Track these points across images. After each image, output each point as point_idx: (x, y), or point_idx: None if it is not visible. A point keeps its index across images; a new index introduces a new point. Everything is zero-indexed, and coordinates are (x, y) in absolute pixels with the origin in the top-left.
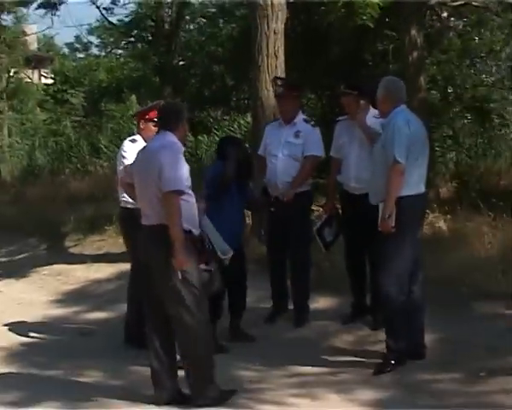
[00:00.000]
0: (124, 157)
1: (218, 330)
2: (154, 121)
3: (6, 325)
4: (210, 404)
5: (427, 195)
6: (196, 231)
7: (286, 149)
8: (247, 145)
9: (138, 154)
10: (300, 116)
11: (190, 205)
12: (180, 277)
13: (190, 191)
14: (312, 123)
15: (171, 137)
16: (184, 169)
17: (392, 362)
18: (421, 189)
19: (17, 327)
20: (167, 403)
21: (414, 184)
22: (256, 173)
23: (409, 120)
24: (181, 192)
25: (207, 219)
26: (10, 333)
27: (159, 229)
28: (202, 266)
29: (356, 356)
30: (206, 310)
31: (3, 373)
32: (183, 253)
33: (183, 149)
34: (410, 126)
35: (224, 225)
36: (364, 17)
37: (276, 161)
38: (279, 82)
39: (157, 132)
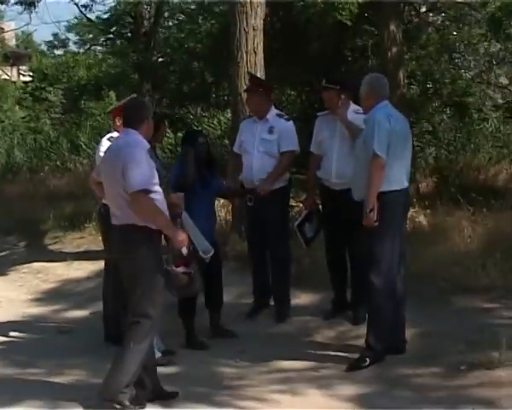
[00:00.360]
0: (101, 155)
1: (198, 326)
2: None
3: None
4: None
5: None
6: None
7: (261, 146)
8: (208, 137)
9: (105, 153)
10: (273, 111)
11: (159, 202)
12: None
13: (158, 188)
14: (286, 117)
15: (134, 135)
16: (148, 167)
17: (367, 360)
18: (404, 184)
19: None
20: (149, 401)
21: (396, 179)
22: (231, 170)
23: (390, 115)
24: (147, 191)
25: (188, 217)
26: None
27: (126, 229)
28: (180, 269)
29: (337, 351)
30: (156, 321)
31: None
32: (176, 235)
33: (147, 146)
34: (390, 121)
35: (198, 224)
36: (343, 13)
37: (252, 158)
38: (248, 76)
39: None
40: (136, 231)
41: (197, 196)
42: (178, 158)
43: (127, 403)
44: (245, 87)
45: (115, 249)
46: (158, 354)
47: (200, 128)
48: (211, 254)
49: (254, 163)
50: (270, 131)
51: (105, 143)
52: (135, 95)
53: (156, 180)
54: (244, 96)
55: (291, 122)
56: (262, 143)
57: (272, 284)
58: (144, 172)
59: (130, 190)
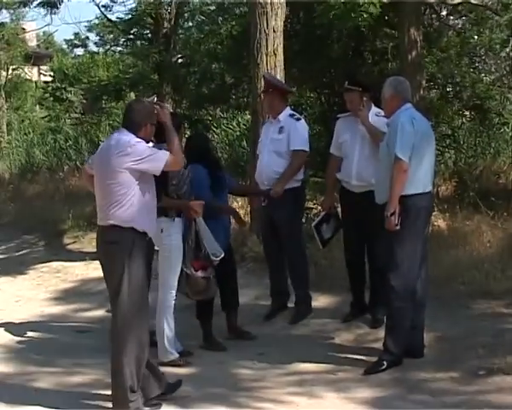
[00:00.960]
0: None
1: (216, 328)
2: None
3: (4, 322)
4: None
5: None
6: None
7: (271, 145)
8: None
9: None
10: (286, 112)
11: (147, 206)
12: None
13: (147, 190)
14: (296, 117)
15: (126, 136)
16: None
17: (385, 364)
18: (427, 187)
19: (15, 325)
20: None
21: (419, 182)
22: (252, 172)
23: (413, 118)
24: None
25: (202, 221)
26: (8, 331)
27: (105, 230)
28: (200, 274)
29: (355, 354)
30: (141, 321)
31: (1, 371)
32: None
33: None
34: (414, 124)
35: (213, 225)
36: (365, 15)
37: (262, 158)
38: (265, 75)
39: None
40: (117, 231)
41: (214, 197)
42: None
43: (142, 407)
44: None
45: (97, 249)
46: (175, 356)
47: (208, 130)
48: (221, 257)
49: (263, 162)
50: (280, 130)
51: None
52: (154, 97)
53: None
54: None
55: (302, 121)
56: (272, 143)
57: (292, 286)
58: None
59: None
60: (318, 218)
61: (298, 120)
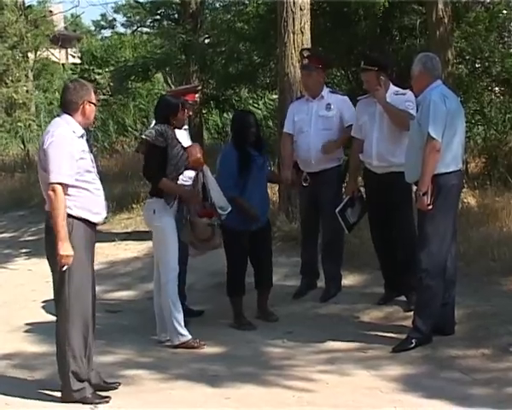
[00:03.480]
0: None
1: (245, 306)
2: (190, 104)
3: (36, 302)
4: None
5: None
6: (98, 218)
7: (319, 123)
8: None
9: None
10: (326, 89)
11: (90, 193)
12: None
13: (88, 177)
14: (341, 93)
15: (64, 123)
16: (68, 160)
17: (414, 342)
18: (458, 165)
19: (46, 305)
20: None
21: (450, 160)
22: (283, 151)
23: (445, 96)
24: (63, 185)
25: (208, 170)
26: (40, 311)
27: (48, 217)
28: (205, 220)
29: (385, 332)
30: (80, 313)
31: (32, 352)
32: (62, 248)
33: (76, 134)
34: (446, 102)
35: (250, 201)
36: None
37: (309, 137)
38: (305, 53)
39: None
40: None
41: (253, 177)
42: (230, 142)
43: (89, 397)
44: (295, 67)
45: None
46: (187, 337)
47: (248, 109)
48: (228, 211)
49: (312, 141)
50: (328, 107)
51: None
52: (197, 85)
53: (89, 169)
54: (292, 75)
55: (346, 97)
56: (320, 120)
57: (323, 264)
58: (62, 165)
59: (48, 181)
60: (342, 203)
61: (343, 95)
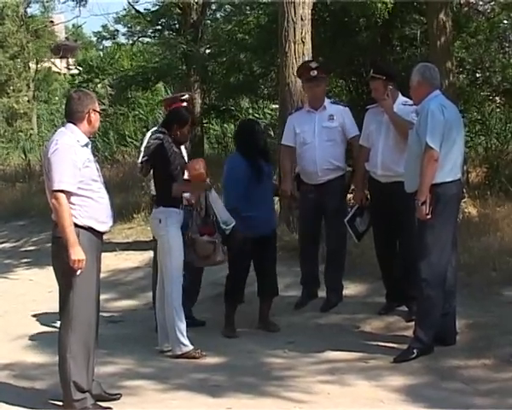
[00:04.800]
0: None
1: (249, 315)
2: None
3: (37, 313)
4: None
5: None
6: (103, 227)
7: (323, 135)
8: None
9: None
10: (327, 100)
11: (95, 202)
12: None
13: (93, 186)
14: (342, 103)
15: (68, 132)
16: (70, 168)
17: (415, 352)
18: (457, 175)
19: (47, 315)
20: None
21: (449, 170)
22: (283, 164)
23: (443, 106)
24: (66, 192)
25: (213, 189)
26: (41, 321)
27: (54, 226)
28: (205, 238)
29: (386, 342)
30: (84, 322)
31: (33, 362)
32: (74, 253)
33: (80, 143)
34: (444, 112)
35: (256, 211)
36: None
37: (315, 149)
38: (313, 65)
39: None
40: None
41: (262, 186)
42: (236, 151)
43: (90, 408)
44: (296, 77)
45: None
46: (189, 347)
47: (237, 119)
48: (231, 226)
49: (317, 153)
50: (331, 118)
51: (148, 137)
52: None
53: (95, 178)
54: (293, 85)
55: (347, 107)
56: (324, 132)
57: (326, 274)
58: (65, 173)
59: (51, 188)
60: (351, 212)
61: (344, 106)
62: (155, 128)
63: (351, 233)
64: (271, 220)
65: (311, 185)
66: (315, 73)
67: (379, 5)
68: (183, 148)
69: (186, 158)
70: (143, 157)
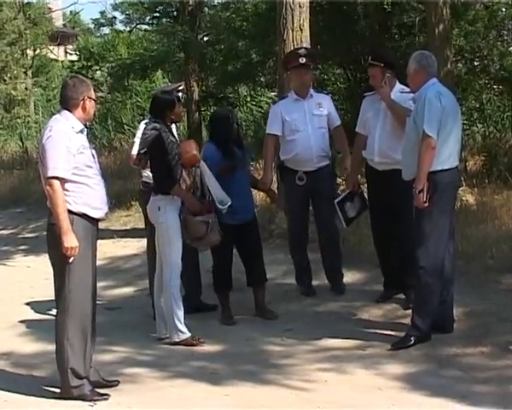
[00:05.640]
0: (136, 140)
1: (246, 303)
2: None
3: (34, 300)
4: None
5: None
6: (98, 214)
7: (315, 122)
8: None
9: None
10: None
11: (89, 188)
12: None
13: (88, 172)
14: (325, 92)
15: (63, 119)
16: (64, 154)
17: (413, 339)
18: (454, 163)
19: (45, 302)
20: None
21: (446, 158)
22: (267, 153)
23: (440, 93)
24: (60, 179)
25: (205, 165)
26: (38, 308)
27: (49, 213)
28: (199, 218)
29: (384, 330)
30: (80, 308)
31: (31, 349)
32: (67, 240)
33: (75, 130)
34: (441, 100)
35: (233, 199)
36: None
37: (309, 136)
38: (302, 52)
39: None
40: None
41: (238, 174)
42: (209, 139)
43: (88, 394)
44: (292, 63)
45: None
46: (187, 334)
47: (235, 107)
48: (228, 205)
49: (312, 140)
50: (319, 106)
51: (142, 128)
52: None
53: (90, 164)
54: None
55: (329, 96)
56: (316, 119)
57: (326, 261)
58: (58, 159)
59: (45, 175)
60: (342, 195)
61: (326, 94)
62: (147, 120)
63: (339, 215)
64: (249, 207)
65: (301, 172)
66: (303, 60)
67: None
68: (173, 126)
69: (176, 136)
70: (142, 149)
